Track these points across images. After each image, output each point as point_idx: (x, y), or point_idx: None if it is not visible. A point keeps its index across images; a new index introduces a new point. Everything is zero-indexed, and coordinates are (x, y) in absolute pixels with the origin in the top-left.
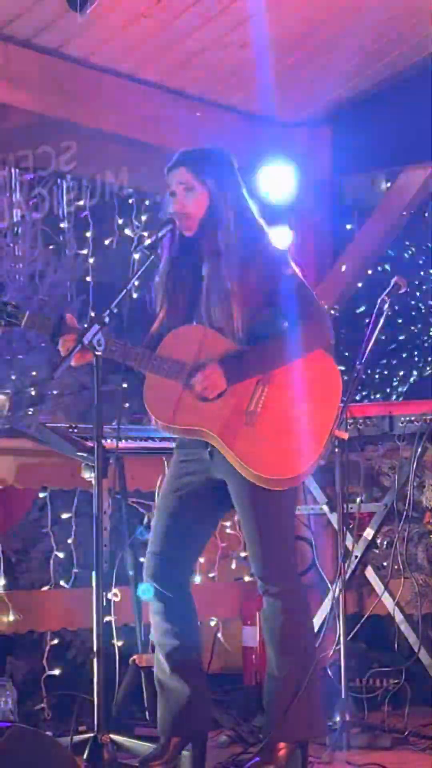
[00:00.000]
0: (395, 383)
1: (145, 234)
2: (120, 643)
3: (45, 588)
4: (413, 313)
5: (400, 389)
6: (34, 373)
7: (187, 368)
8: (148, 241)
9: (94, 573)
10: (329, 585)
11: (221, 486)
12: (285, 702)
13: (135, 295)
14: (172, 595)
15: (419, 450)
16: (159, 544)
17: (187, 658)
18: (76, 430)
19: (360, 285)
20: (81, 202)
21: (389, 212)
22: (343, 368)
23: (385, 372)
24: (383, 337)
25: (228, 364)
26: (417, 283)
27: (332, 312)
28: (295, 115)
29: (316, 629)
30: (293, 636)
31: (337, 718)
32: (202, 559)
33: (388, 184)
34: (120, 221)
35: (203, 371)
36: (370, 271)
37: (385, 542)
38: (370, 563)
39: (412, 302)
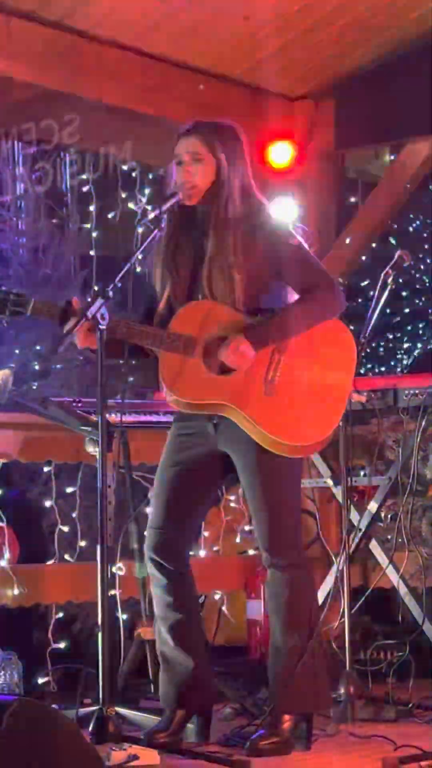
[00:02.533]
0: (400, 356)
1: (149, 208)
2: (125, 617)
3: (50, 562)
4: (417, 286)
5: (404, 362)
6: (38, 348)
7: (200, 342)
8: (151, 215)
9: (98, 547)
10: (333, 558)
11: (223, 459)
12: (289, 674)
13: (138, 270)
14: (174, 568)
15: (423, 423)
16: (159, 518)
17: (190, 630)
18: (80, 404)
19: (364, 258)
20: (84, 176)
21: (393, 185)
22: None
23: (390, 345)
24: (387, 311)
25: (251, 333)
26: (421, 256)
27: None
28: (299, 88)
29: (320, 602)
30: (298, 609)
31: (342, 691)
32: (206, 533)
33: (392, 157)
34: (123, 195)
35: (230, 344)
36: (374, 245)
37: (389, 515)
38: (374, 536)
39: (417, 275)
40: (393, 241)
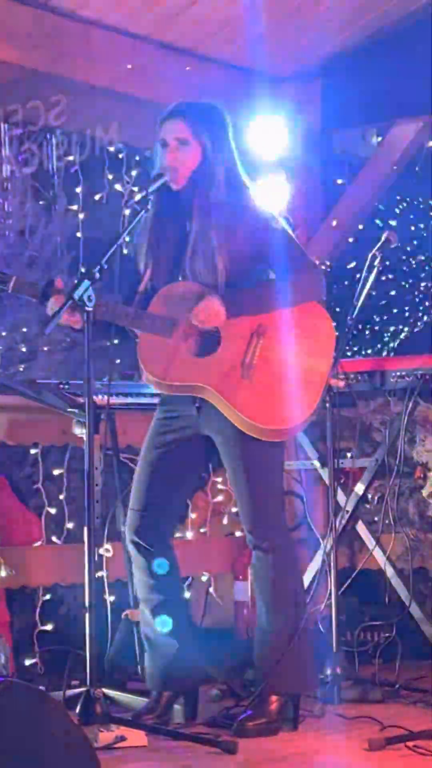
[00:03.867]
0: (386, 339)
1: (136, 189)
2: (112, 598)
3: (37, 544)
4: (404, 269)
5: (391, 345)
6: (24, 330)
7: (179, 324)
8: (138, 196)
9: (86, 528)
10: (320, 540)
11: (206, 442)
12: (276, 655)
13: (125, 251)
14: (155, 550)
15: (410, 405)
16: (141, 499)
17: (174, 612)
18: (67, 387)
19: (351, 240)
20: (71, 158)
21: (380, 166)
22: (334, 324)
23: (376, 327)
24: (374, 293)
25: (226, 297)
26: (408, 237)
27: (324, 267)
28: (286, 69)
29: (307, 584)
30: (283, 590)
31: (329, 672)
32: (193, 515)
33: (379, 138)
34: (110, 176)
35: (202, 302)
36: (361, 226)
37: (376, 497)
38: (361, 518)
39: (403, 257)
40: (380, 223)
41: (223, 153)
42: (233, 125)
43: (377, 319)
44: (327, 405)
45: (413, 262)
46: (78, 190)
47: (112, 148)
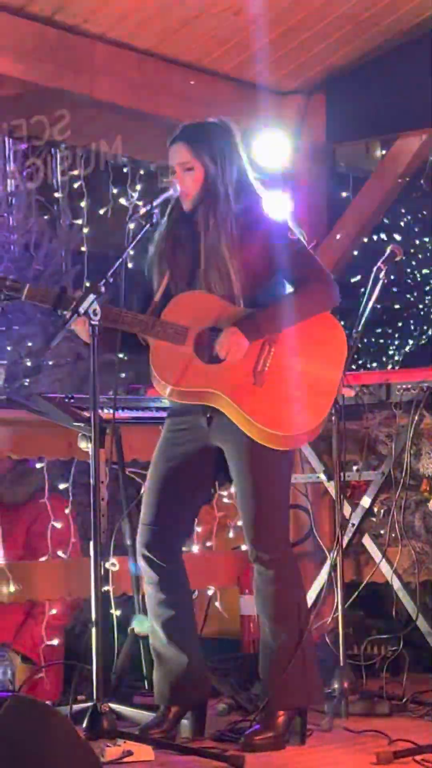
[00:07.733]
0: (391, 352)
1: (140, 203)
2: (118, 613)
3: (43, 558)
4: (409, 282)
5: (396, 358)
6: (29, 344)
7: (191, 332)
8: (143, 210)
9: (92, 543)
10: (327, 553)
11: (216, 455)
12: (281, 670)
13: (130, 265)
14: (166, 565)
15: (416, 418)
16: (151, 514)
17: (183, 627)
18: (72, 401)
19: (356, 253)
20: (75, 172)
21: (384, 179)
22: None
23: (381, 340)
24: (379, 306)
25: (244, 324)
26: (413, 251)
27: None
28: (290, 83)
29: (314, 597)
30: (286, 604)
31: (336, 686)
32: (199, 529)
33: (384, 152)
34: (115, 191)
35: (224, 335)
36: (365, 239)
37: (382, 510)
38: (367, 531)
39: (408, 270)
40: (384, 236)
41: (228, 168)
42: (239, 137)
43: (382, 332)
44: (333, 418)
45: (418, 275)
46: (82, 204)
47: (116, 163)
